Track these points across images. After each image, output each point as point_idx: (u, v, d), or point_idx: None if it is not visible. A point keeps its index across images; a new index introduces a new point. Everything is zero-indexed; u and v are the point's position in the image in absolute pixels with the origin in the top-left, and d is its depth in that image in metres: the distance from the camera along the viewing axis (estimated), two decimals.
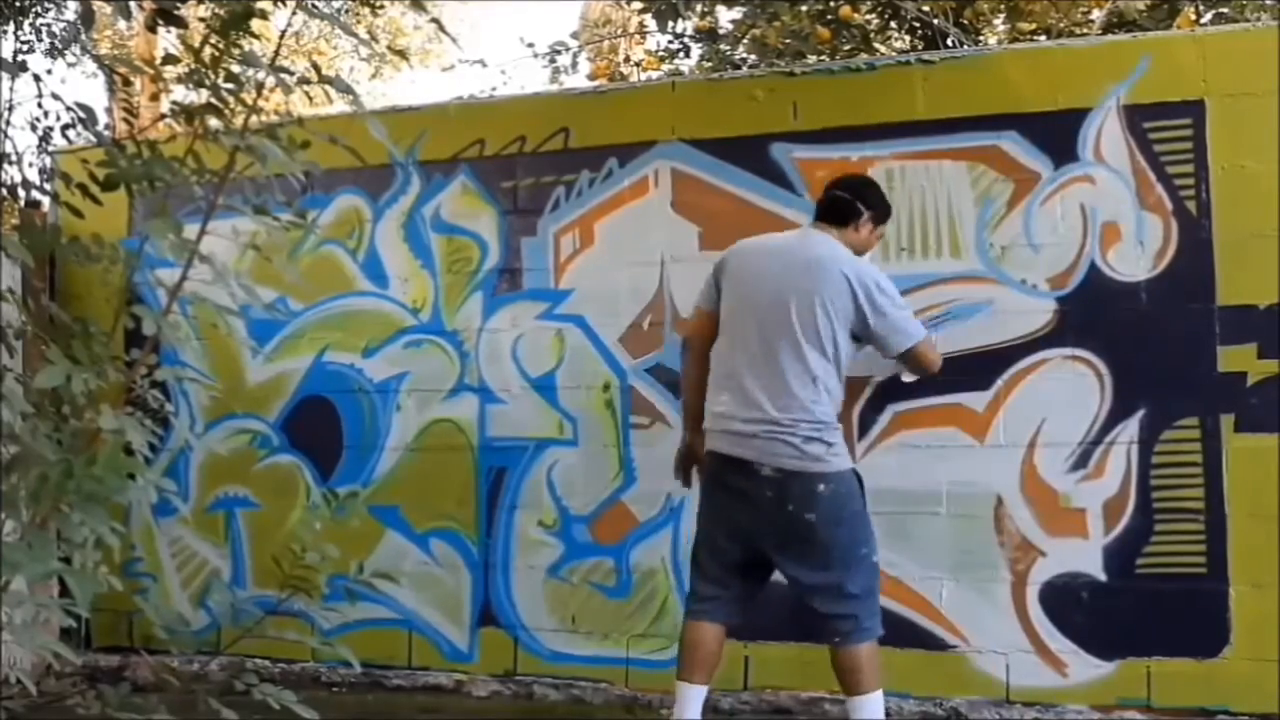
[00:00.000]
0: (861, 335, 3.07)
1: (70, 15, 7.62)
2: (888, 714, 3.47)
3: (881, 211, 3.25)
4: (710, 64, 6.18)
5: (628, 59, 7.39)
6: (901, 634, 3.53)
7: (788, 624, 3.62)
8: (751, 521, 3.01)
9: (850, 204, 3.17)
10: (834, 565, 2.97)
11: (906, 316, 3.11)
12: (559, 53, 6.50)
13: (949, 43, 5.30)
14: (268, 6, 1.99)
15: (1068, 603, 3.43)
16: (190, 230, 1.82)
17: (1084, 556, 3.41)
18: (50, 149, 5.59)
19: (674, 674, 3.13)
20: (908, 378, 3.40)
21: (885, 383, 3.58)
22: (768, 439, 2.96)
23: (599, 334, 3.90)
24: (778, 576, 3.11)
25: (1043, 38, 5.70)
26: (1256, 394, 3.29)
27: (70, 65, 8.54)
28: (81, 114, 2.14)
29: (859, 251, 3.16)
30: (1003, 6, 6.04)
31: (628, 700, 3.78)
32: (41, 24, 7.55)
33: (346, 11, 9.71)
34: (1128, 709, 3.35)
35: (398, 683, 4.03)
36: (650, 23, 6.17)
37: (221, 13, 1.81)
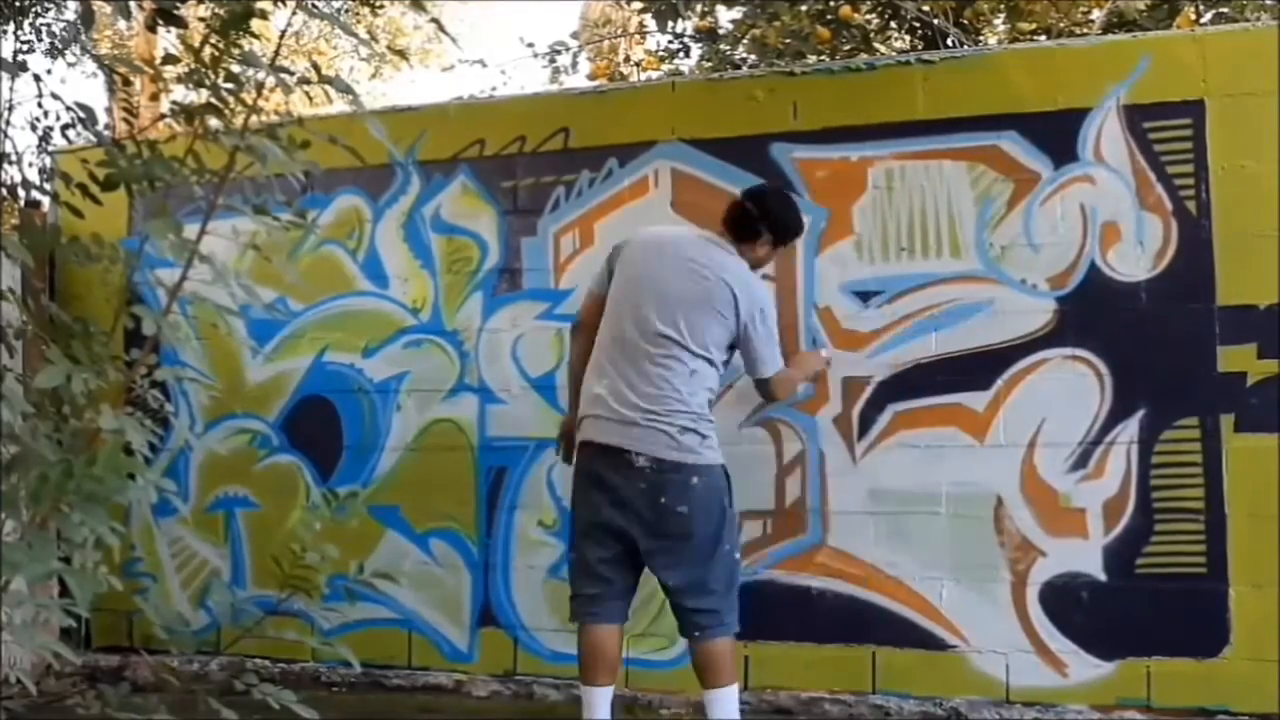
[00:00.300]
0: (736, 346, 3.13)
1: (70, 15, 7.62)
2: (887, 714, 3.48)
3: (783, 235, 3.26)
4: (710, 64, 6.18)
5: (628, 59, 7.39)
6: (901, 634, 3.54)
7: (788, 624, 3.63)
8: (625, 515, 3.01)
9: (753, 224, 3.19)
10: (699, 560, 3.00)
11: (773, 350, 3.16)
12: (559, 53, 6.50)
13: (949, 43, 5.30)
14: (268, 6, 1.99)
15: (1068, 603, 3.43)
16: (190, 230, 1.82)
17: (1084, 556, 3.41)
18: (50, 149, 5.59)
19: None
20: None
21: (885, 382, 3.58)
22: (645, 426, 2.97)
23: None
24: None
25: (1043, 38, 5.70)
26: (1256, 394, 3.29)
27: (70, 65, 8.54)
28: (81, 114, 2.14)
29: (754, 266, 3.20)
30: (1003, 6, 6.04)
31: (627, 700, 3.78)
32: (41, 24, 7.55)
33: (346, 11, 9.71)
34: (1128, 709, 3.35)
35: (398, 683, 4.03)
36: (650, 23, 6.17)
37: (221, 13, 1.81)
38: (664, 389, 2.99)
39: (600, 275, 3.26)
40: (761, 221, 3.19)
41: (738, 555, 3.11)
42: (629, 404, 3.00)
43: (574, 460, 3.18)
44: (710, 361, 3.05)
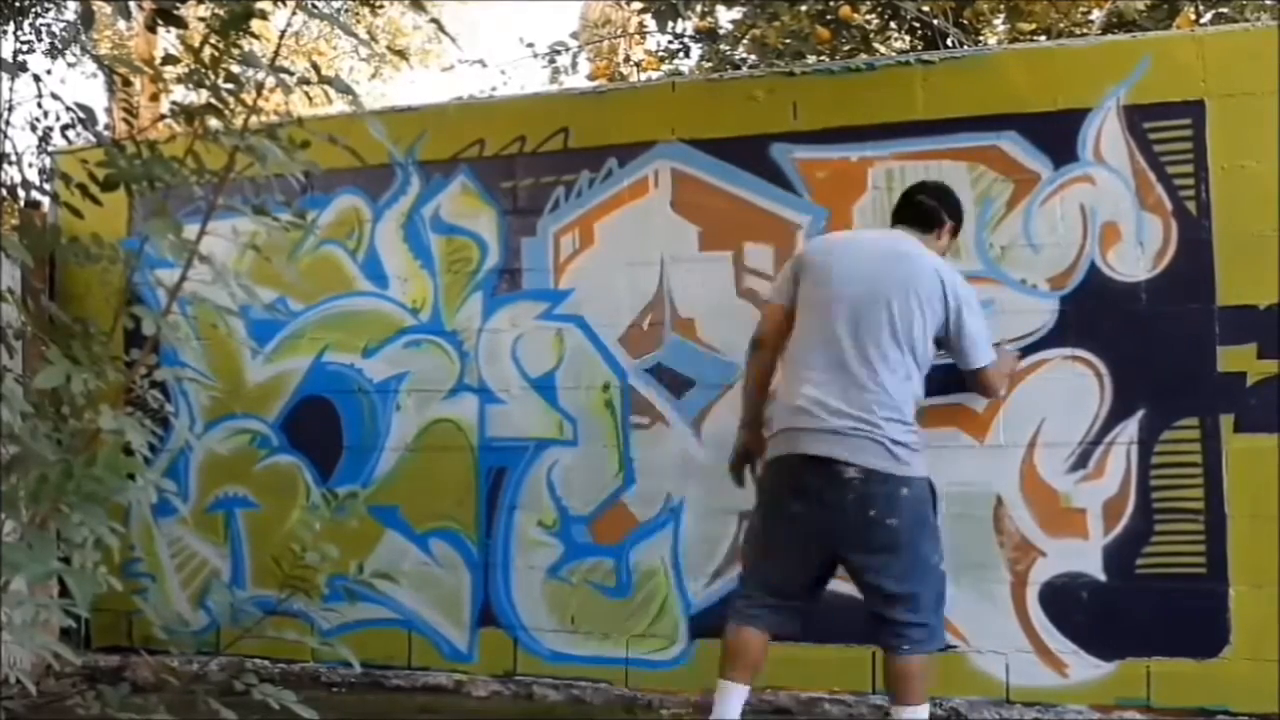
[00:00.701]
0: (943, 342, 3.03)
1: (70, 15, 7.62)
2: (887, 714, 3.48)
3: (959, 223, 3.24)
4: (710, 64, 6.17)
5: (628, 59, 7.39)
6: None
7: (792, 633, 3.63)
8: (829, 527, 2.91)
9: (935, 211, 3.15)
10: (912, 573, 2.91)
11: (988, 336, 3.09)
12: (559, 53, 6.50)
13: (949, 43, 5.30)
14: (268, 6, 1.99)
15: (1068, 603, 3.43)
16: (190, 230, 1.82)
17: (1084, 556, 3.41)
18: (50, 149, 5.59)
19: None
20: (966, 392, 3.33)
21: None
22: (857, 437, 2.86)
23: (599, 334, 3.90)
24: None
25: (1043, 38, 5.70)
26: (1256, 394, 3.29)
27: (70, 65, 8.54)
28: (81, 114, 2.14)
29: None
30: (1003, 6, 6.03)
31: (628, 700, 3.78)
32: (41, 24, 7.55)
33: (346, 11, 9.71)
34: (1128, 709, 3.35)
35: (398, 683, 4.03)
36: (650, 23, 6.17)
37: (221, 13, 1.81)
38: (881, 397, 2.88)
39: (784, 287, 3.15)
40: (941, 209, 3.16)
41: (944, 568, 3.02)
42: (840, 413, 2.88)
43: (762, 475, 3.12)
44: (921, 361, 2.96)
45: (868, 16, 6.04)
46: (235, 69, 1.80)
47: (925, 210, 3.16)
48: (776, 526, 3.01)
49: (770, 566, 3.04)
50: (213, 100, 1.80)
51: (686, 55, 6.56)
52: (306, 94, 1.92)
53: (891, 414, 2.89)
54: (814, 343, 3.00)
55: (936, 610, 2.96)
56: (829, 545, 2.96)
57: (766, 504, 3.07)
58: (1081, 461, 3.43)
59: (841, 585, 3.64)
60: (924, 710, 2.94)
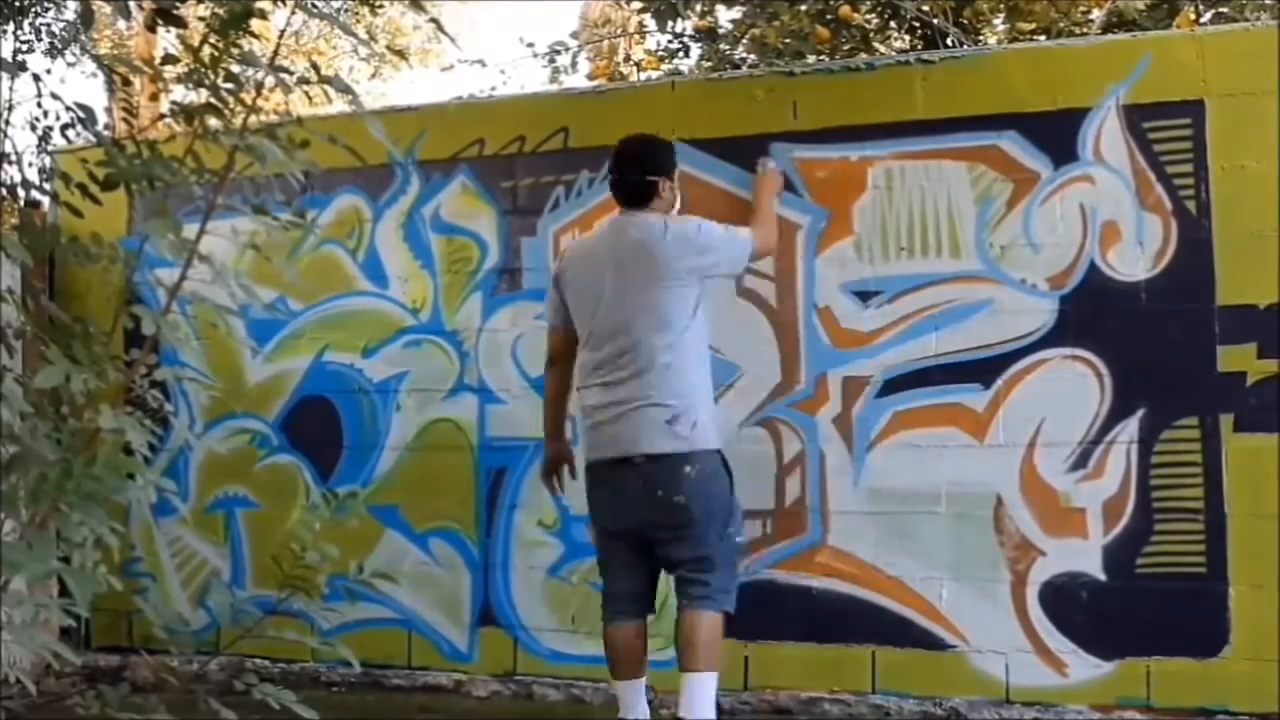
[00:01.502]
0: (712, 275, 3.20)
1: (70, 15, 7.62)
2: (887, 714, 3.48)
3: (672, 165, 3.30)
4: (710, 64, 6.17)
5: (628, 59, 7.38)
6: (901, 634, 3.54)
7: (788, 624, 3.63)
8: (629, 512, 3.08)
9: (650, 183, 3.23)
10: (702, 541, 3.04)
11: (733, 236, 3.23)
12: (559, 53, 6.50)
13: (949, 43, 5.30)
14: (267, 6, 1.99)
15: (1068, 603, 3.42)
16: (190, 230, 1.82)
17: (1084, 556, 3.41)
18: (50, 149, 5.58)
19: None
20: None
21: (885, 382, 3.58)
22: (634, 423, 3.01)
23: None
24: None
25: (1043, 38, 5.70)
26: (1256, 394, 3.29)
27: (70, 65, 8.54)
28: (81, 114, 2.14)
29: (667, 211, 3.25)
30: (1003, 6, 6.03)
31: None
32: (41, 24, 7.55)
33: (346, 11, 9.71)
34: (1128, 709, 3.35)
35: (398, 683, 4.03)
36: (650, 23, 6.16)
37: (221, 13, 1.81)
38: (652, 381, 3.03)
39: (554, 307, 3.33)
40: (648, 173, 3.23)
41: (741, 538, 3.18)
42: (617, 402, 3.06)
43: (572, 476, 3.39)
44: (693, 332, 3.09)
45: (868, 16, 6.03)
46: (235, 69, 1.80)
47: (640, 188, 3.23)
48: (597, 521, 3.21)
49: (608, 558, 3.20)
50: (212, 100, 1.80)
51: (686, 55, 6.56)
52: (306, 94, 1.92)
53: (664, 396, 3.01)
54: (589, 350, 3.18)
55: (724, 573, 3.07)
56: (634, 529, 3.09)
57: (588, 501, 3.24)
58: (1081, 461, 3.43)
59: (842, 585, 3.65)
60: (711, 678, 3.01)
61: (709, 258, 3.15)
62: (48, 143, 6.31)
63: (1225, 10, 5.29)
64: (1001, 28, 6.40)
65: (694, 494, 3.01)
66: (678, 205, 3.32)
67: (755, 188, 3.61)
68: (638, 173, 3.25)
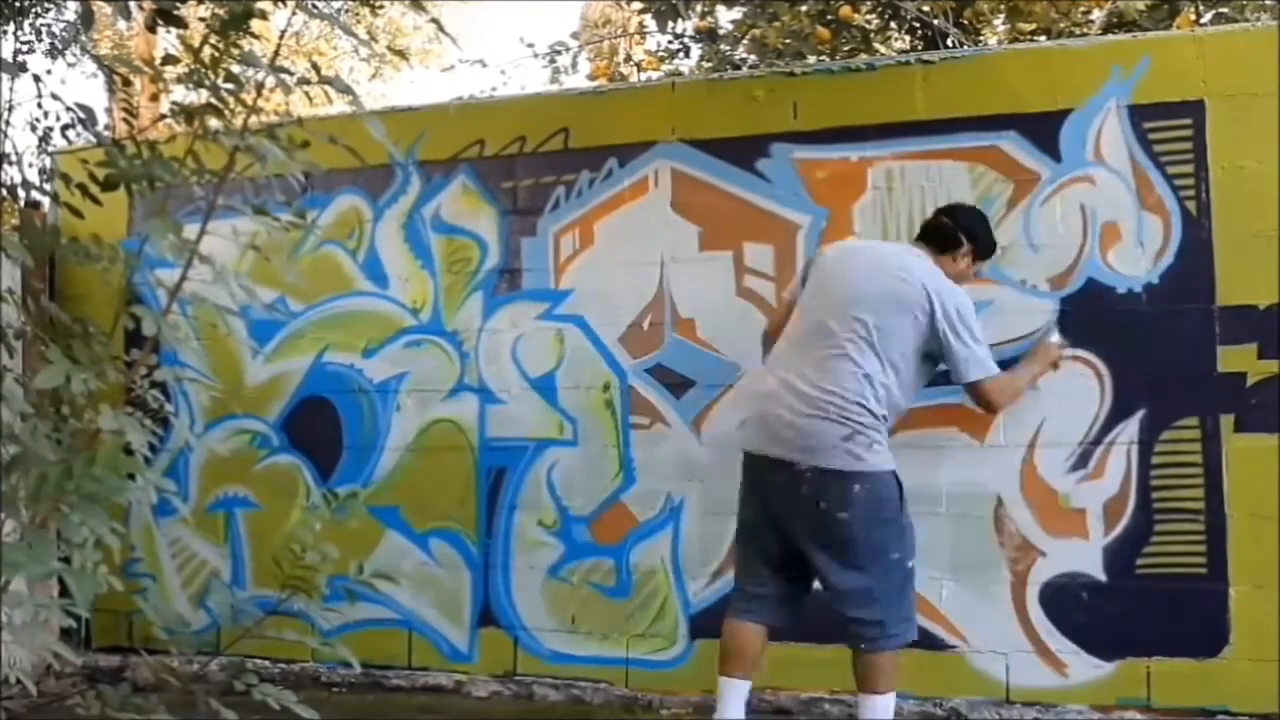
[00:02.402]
0: (938, 356, 3.03)
1: (70, 15, 7.62)
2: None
3: (985, 247, 3.23)
4: (710, 64, 6.17)
5: (628, 59, 7.38)
6: None
7: (787, 624, 3.63)
8: (787, 515, 2.98)
9: (953, 233, 3.15)
10: (865, 568, 2.93)
11: (981, 352, 3.03)
12: (559, 53, 6.49)
13: (949, 43, 5.29)
14: (268, 6, 1.99)
15: (1068, 603, 3.43)
16: (190, 230, 1.82)
17: (1084, 556, 3.41)
18: (50, 149, 5.59)
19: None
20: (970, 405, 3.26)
21: None
22: (806, 431, 2.90)
23: (599, 334, 3.91)
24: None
25: (1043, 38, 5.70)
26: (1256, 394, 3.29)
27: (70, 65, 8.53)
28: (81, 114, 2.14)
29: (953, 281, 3.09)
30: (1003, 6, 6.03)
31: (628, 700, 3.78)
32: (41, 24, 7.55)
33: (346, 11, 9.71)
34: (1128, 709, 3.35)
35: (398, 683, 4.03)
36: (650, 23, 6.16)
37: (221, 13, 1.81)
38: (834, 391, 2.91)
39: (794, 284, 3.26)
40: (960, 231, 3.16)
41: (910, 564, 3.02)
42: (793, 407, 2.94)
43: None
44: (895, 368, 2.95)
45: (868, 16, 6.03)
46: (235, 69, 1.80)
47: (943, 231, 3.18)
48: (748, 516, 3.11)
49: (749, 556, 3.12)
50: (213, 100, 1.80)
51: (686, 55, 6.56)
52: (306, 94, 1.92)
53: (844, 411, 2.90)
54: (790, 338, 3.09)
55: (893, 607, 2.95)
56: (787, 534, 3.01)
57: (741, 494, 3.15)
58: (1081, 461, 3.43)
59: None
60: (887, 700, 2.95)
61: (953, 335, 2.97)
62: (48, 143, 6.31)
63: (1225, 10, 5.28)
64: (1001, 28, 6.40)
65: (860, 514, 2.90)
66: (961, 285, 3.12)
67: (1033, 352, 3.38)
68: (952, 219, 3.21)
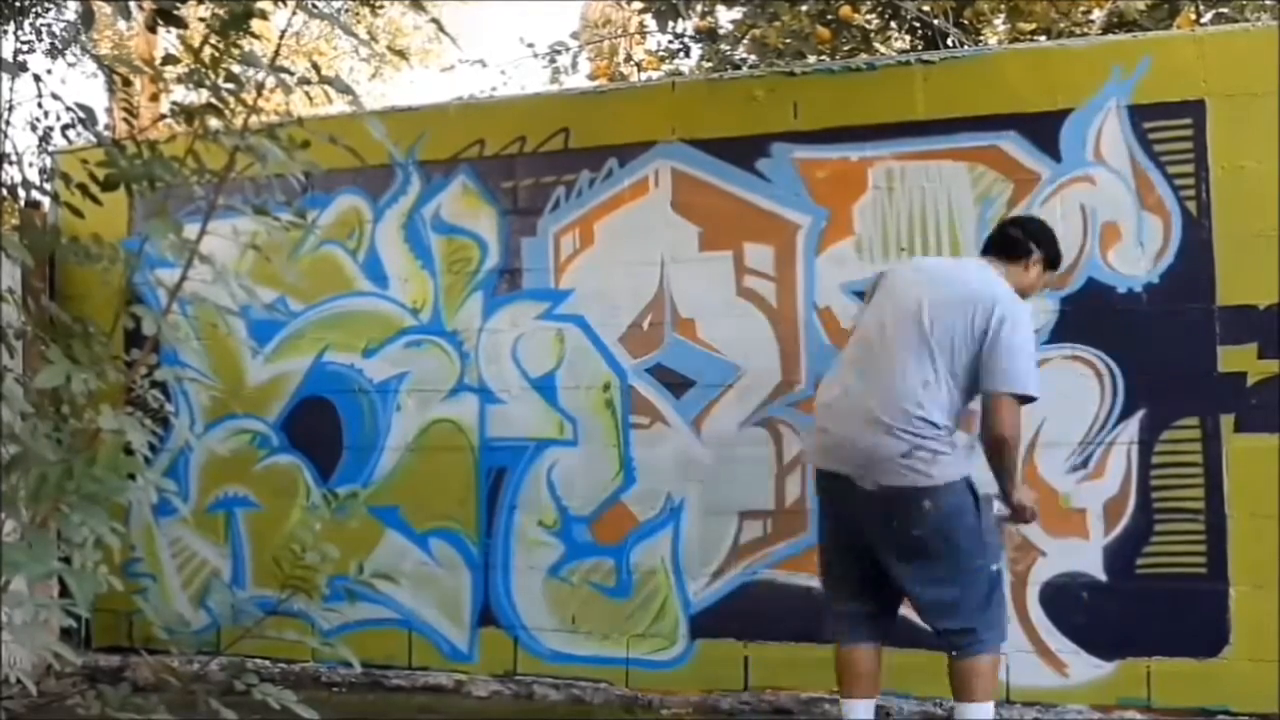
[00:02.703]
0: (979, 353, 2.86)
1: (70, 15, 7.61)
2: (886, 714, 3.48)
3: (1053, 255, 3.11)
4: (710, 64, 6.17)
5: (628, 59, 7.38)
6: (901, 634, 3.52)
7: (788, 624, 3.63)
8: (862, 531, 2.92)
9: (1021, 241, 3.05)
10: (947, 579, 2.87)
11: (1023, 368, 2.84)
12: (559, 53, 6.49)
13: (949, 43, 5.29)
14: (268, 6, 1.99)
15: (1068, 603, 3.43)
16: (190, 230, 1.82)
17: (1084, 556, 3.42)
18: (50, 149, 5.59)
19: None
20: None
21: None
22: (867, 448, 2.83)
23: (599, 334, 3.91)
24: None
25: (1043, 38, 5.70)
26: (1256, 394, 3.29)
27: (70, 65, 8.53)
28: (81, 114, 2.13)
29: (1022, 292, 2.99)
30: (1003, 6, 6.03)
31: (628, 700, 3.78)
32: (41, 24, 7.54)
33: (346, 11, 9.71)
34: (1128, 709, 3.35)
35: (398, 683, 4.03)
36: (650, 23, 6.16)
37: (221, 13, 1.81)
38: (898, 403, 2.82)
39: (861, 308, 3.18)
40: (1030, 240, 3.06)
41: (995, 568, 2.93)
42: (855, 417, 2.87)
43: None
44: (956, 377, 2.85)
45: (868, 16, 6.03)
46: (235, 69, 1.80)
47: (1010, 240, 3.07)
48: (826, 539, 3.07)
49: (835, 579, 3.06)
50: (213, 100, 1.80)
51: (686, 55, 6.56)
52: (306, 94, 1.92)
53: (906, 423, 2.80)
54: (856, 348, 3.03)
55: (982, 614, 2.88)
56: (866, 550, 2.93)
57: (818, 512, 3.12)
58: (1082, 461, 3.43)
59: None
60: (983, 707, 2.89)
61: (992, 349, 2.82)
62: (48, 143, 6.30)
63: (1225, 10, 5.28)
64: (1002, 28, 6.40)
65: (933, 529, 2.83)
66: (1027, 300, 3.01)
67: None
68: (1019, 230, 3.10)
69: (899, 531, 2.84)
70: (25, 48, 7.33)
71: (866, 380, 2.91)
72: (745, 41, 6.08)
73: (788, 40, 5.39)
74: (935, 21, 5.51)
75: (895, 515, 2.83)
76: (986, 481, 2.93)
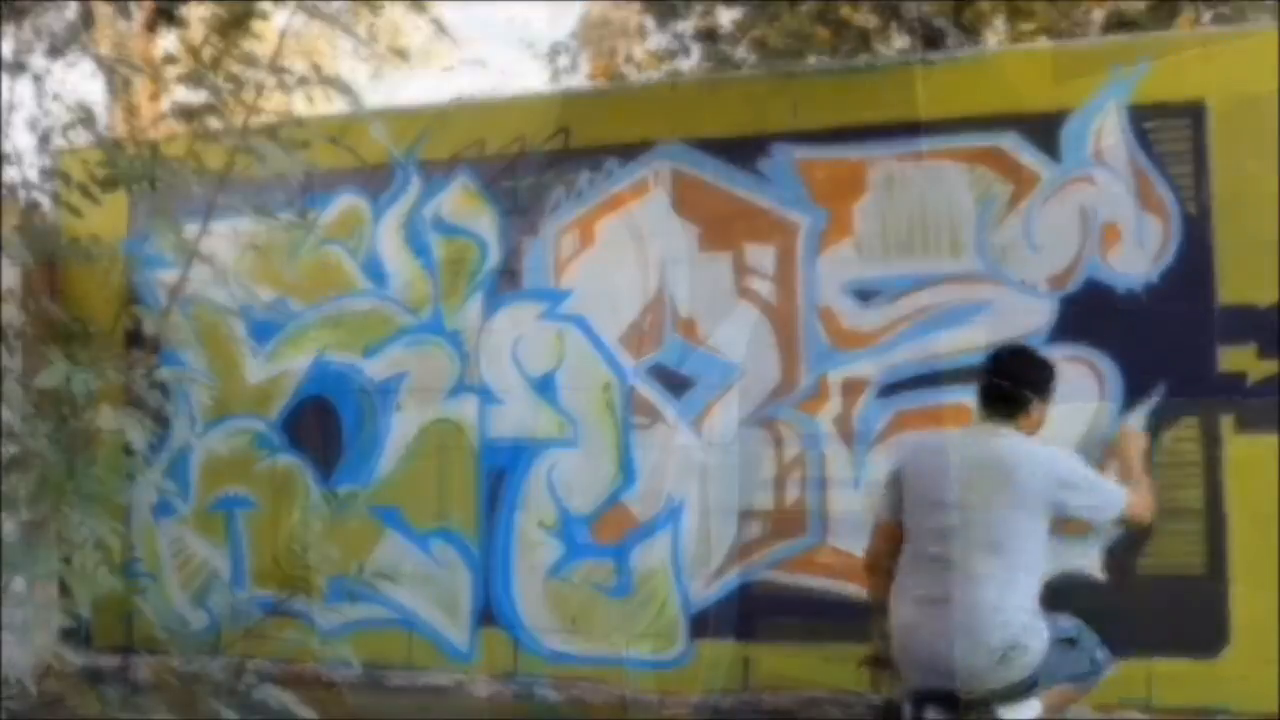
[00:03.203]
0: (1072, 516, 2.79)
1: (70, 15, 7.61)
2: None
3: (1047, 388, 2.92)
4: (710, 64, 6.18)
5: (628, 59, 7.39)
6: None
7: (788, 624, 3.63)
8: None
9: (1014, 393, 2.85)
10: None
11: (1104, 484, 2.83)
12: (559, 53, 6.50)
13: (949, 43, 5.30)
14: (268, 6, 1.99)
15: (1068, 603, 3.42)
16: (190, 230, 1.82)
17: (1084, 556, 3.41)
18: (50, 149, 5.58)
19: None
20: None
21: (885, 383, 3.58)
22: (965, 657, 2.67)
23: (599, 334, 3.90)
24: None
25: (1043, 38, 5.70)
26: (1256, 394, 3.29)
27: (70, 65, 8.53)
28: (81, 114, 2.14)
29: (1032, 434, 2.87)
30: (1003, 6, 6.04)
31: (628, 700, 3.78)
32: (41, 24, 7.54)
33: (346, 11, 9.70)
34: (1128, 709, 3.35)
35: (398, 683, 4.02)
36: (650, 22, 6.17)
37: (222, 13, 1.81)
38: (985, 612, 2.68)
39: (888, 499, 2.94)
40: (1019, 389, 2.85)
41: (1066, 634, 2.80)
42: (946, 634, 2.69)
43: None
44: (1031, 558, 2.74)
45: (868, 16, 6.04)
46: (235, 69, 1.80)
47: (1005, 397, 2.86)
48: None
49: None
50: (213, 100, 1.80)
51: (686, 55, 6.57)
52: (307, 94, 1.92)
53: (997, 630, 2.67)
54: (916, 558, 2.83)
55: (1077, 658, 2.80)
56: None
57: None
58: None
59: (842, 585, 3.64)
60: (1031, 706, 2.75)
61: (1075, 497, 2.74)
62: (48, 143, 6.30)
63: (1225, 11, 5.29)
64: (1002, 28, 6.40)
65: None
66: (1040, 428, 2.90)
67: (1122, 448, 3.12)
68: (1010, 381, 2.87)
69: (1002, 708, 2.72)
70: (25, 48, 7.33)
71: (946, 589, 2.75)
72: (745, 41, 6.09)
73: (788, 40, 5.40)
74: (935, 22, 5.52)
75: (1001, 704, 2.72)
76: None
